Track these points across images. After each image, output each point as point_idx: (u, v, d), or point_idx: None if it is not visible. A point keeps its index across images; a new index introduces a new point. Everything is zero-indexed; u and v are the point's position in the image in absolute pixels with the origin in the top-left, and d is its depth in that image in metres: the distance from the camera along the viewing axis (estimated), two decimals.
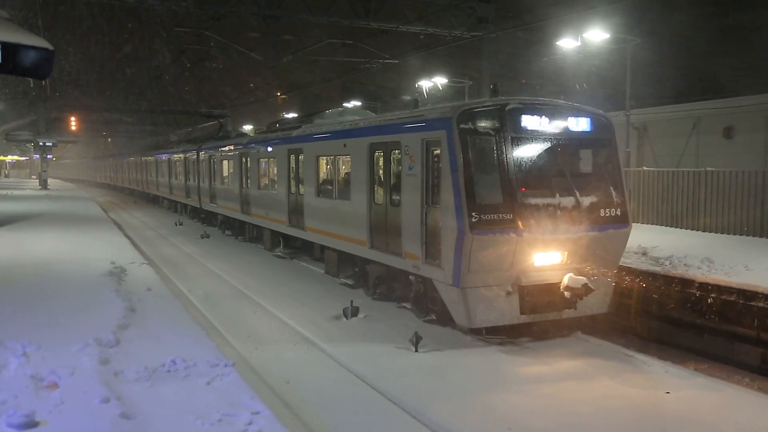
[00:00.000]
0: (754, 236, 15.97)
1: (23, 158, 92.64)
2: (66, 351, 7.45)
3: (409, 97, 33.90)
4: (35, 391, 6.30)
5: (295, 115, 33.84)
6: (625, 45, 24.01)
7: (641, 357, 9.99)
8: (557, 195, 10.50)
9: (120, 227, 24.67)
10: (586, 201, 10.71)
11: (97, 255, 14.62)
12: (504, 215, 10.01)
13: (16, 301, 10.07)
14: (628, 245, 11.73)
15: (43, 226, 20.62)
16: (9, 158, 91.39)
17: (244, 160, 22.28)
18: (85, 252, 15.18)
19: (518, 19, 23.92)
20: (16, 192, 42.28)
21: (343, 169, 14.94)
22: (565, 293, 10.32)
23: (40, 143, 43.30)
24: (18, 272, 12.40)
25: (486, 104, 10.72)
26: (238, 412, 5.98)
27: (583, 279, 10.28)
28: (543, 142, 10.65)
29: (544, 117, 10.65)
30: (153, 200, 43.75)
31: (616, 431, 7.35)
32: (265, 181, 20.78)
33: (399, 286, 12.82)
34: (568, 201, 10.54)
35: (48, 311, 9.38)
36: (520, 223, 10.04)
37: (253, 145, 21.54)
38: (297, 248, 19.50)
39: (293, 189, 17.71)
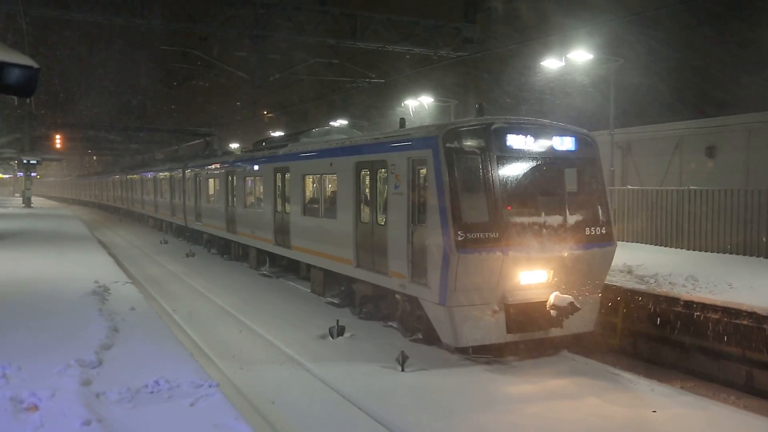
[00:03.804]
0: (737, 254, 16.11)
1: (6, 176, 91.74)
2: (47, 372, 7.30)
3: (395, 115, 34.12)
4: (14, 414, 6.15)
5: (282, 133, 33.88)
6: (609, 65, 24.33)
7: (628, 375, 10.01)
8: (543, 214, 10.56)
9: (104, 246, 24.40)
10: (572, 220, 10.79)
11: (80, 274, 14.43)
12: (490, 234, 10.03)
13: None
14: (613, 264, 11.81)
15: (26, 245, 20.36)
16: None
17: (230, 178, 22.21)
18: (68, 271, 14.99)
19: (502, 41, 24.21)
20: None
21: (330, 187, 14.93)
22: (551, 312, 10.34)
23: (24, 161, 42.87)
24: None
25: (472, 123, 10.80)
26: None
27: (569, 297, 10.31)
28: (528, 161, 10.72)
29: (529, 136, 10.73)
30: (138, 219, 43.44)
31: None
32: (251, 199, 20.72)
33: (385, 305, 12.78)
34: (553, 220, 10.60)
35: (29, 331, 9.21)
36: (506, 241, 10.08)
37: (239, 163, 21.50)
38: (283, 267, 19.41)
39: (279, 208, 17.66)
